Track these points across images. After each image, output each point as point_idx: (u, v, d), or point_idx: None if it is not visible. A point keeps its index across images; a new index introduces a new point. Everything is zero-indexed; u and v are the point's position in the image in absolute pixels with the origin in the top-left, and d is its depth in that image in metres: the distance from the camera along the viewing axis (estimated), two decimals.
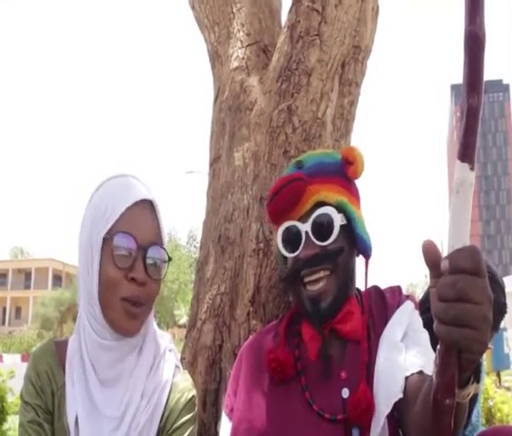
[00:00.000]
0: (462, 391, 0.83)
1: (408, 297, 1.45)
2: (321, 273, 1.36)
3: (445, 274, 0.75)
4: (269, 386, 1.40)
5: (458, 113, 0.80)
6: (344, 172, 1.44)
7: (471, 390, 0.84)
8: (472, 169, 0.76)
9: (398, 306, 1.41)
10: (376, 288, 1.50)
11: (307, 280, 1.37)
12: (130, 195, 1.24)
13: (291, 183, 1.39)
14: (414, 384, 1.16)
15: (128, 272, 1.20)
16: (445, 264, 0.75)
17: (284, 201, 1.39)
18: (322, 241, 1.36)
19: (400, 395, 1.20)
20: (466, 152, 0.76)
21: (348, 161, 1.44)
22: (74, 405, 1.22)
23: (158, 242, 1.26)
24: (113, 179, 1.29)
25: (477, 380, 0.84)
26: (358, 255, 1.46)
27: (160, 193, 1.36)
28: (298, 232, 1.39)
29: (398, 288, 1.49)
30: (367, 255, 1.45)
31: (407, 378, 1.22)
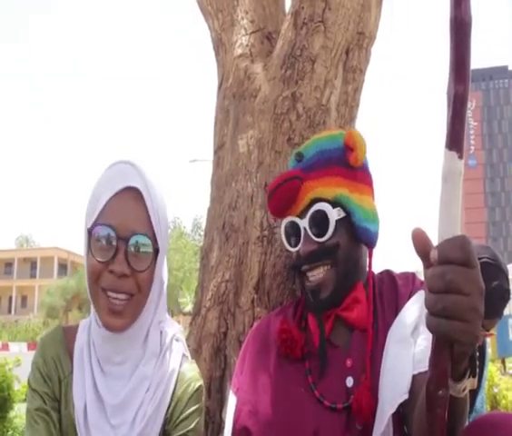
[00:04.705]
0: (457, 384, 0.82)
1: (422, 285, 1.37)
2: (321, 268, 1.38)
3: (434, 265, 0.74)
4: (274, 369, 1.41)
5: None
6: (346, 159, 1.41)
7: (467, 384, 0.83)
8: (460, 157, 0.74)
9: (410, 295, 1.36)
10: (388, 272, 1.47)
11: (308, 274, 1.39)
12: (115, 184, 1.19)
13: (287, 181, 1.41)
14: (420, 383, 1.12)
15: (109, 264, 1.15)
16: (434, 255, 0.74)
17: (281, 199, 1.42)
18: (319, 237, 1.37)
19: (406, 396, 1.17)
20: (453, 140, 0.74)
21: (349, 147, 1.41)
22: (83, 392, 1.21)
23: (142, 231, 1.18)
24: (109, 168, 1.25)
25: (474, 374, 0.83)
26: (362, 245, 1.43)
27: (164, 182, 1.31)
28: (298, 228, 1.41)
29: (412, 275, 1.44)
30: (370, 245, 1.43)
31: (414, 376, 1.19)
